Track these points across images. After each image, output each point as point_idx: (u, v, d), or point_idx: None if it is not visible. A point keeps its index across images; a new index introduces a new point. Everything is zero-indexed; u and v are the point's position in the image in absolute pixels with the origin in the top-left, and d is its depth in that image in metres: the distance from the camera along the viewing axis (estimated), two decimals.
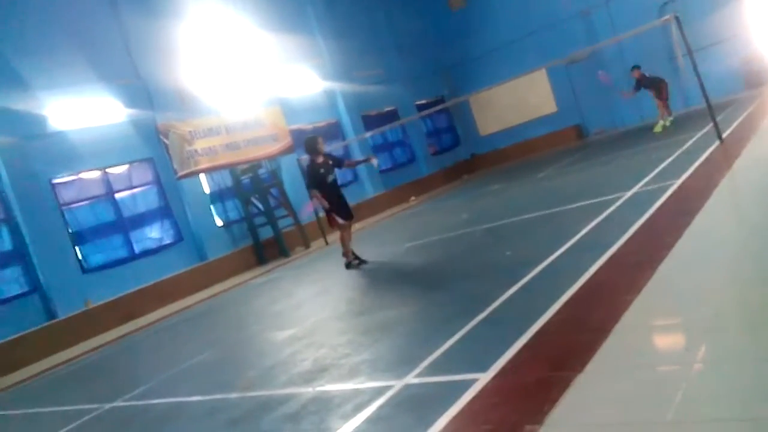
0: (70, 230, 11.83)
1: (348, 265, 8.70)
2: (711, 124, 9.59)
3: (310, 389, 4.12)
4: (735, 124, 10.35)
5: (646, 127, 15.05)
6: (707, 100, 9.69)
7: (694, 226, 4.93)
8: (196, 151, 14.04)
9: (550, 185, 11.29)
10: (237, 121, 15.13)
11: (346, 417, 3.42)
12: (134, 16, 13.44)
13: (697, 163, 7.80)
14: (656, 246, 4.65)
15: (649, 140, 12.41)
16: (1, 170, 11.19)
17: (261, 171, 14.74)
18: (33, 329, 10.48)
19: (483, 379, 3.27)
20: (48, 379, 8.49)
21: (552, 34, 18.86)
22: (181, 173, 13.63)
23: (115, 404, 5.60)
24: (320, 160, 8.52)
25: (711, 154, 8.31)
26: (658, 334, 3.36)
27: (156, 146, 13.47)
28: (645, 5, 16.76)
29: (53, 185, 11.82)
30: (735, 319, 3.18)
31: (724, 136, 9.17)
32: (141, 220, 13.02)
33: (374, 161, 9.22)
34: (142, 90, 13.44)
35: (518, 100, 20.41)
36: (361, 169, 17.50)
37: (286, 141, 16.12)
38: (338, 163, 8.92)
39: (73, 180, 12.18)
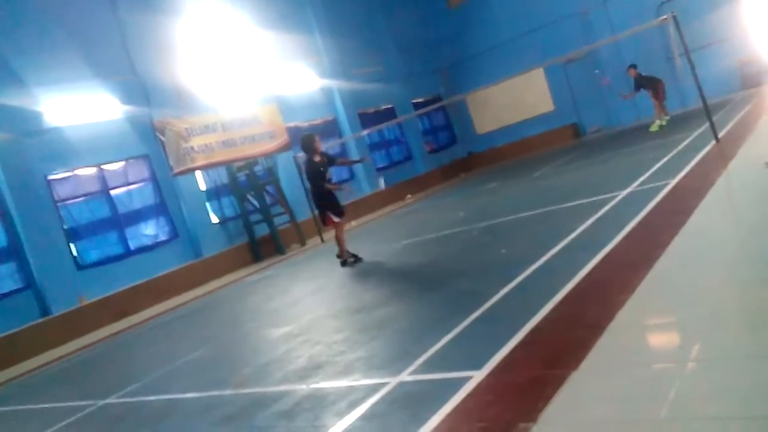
0: (65, 226, 11.77)
1: (344, 263, 8.71)
2: (707, 124, 9.61)
3: (304, 386, 4.11)
4: (731, 124, 10.38)
5: (642, 126, 15.06)
6: (704, 100, 9.72)
7: (690, 226, 4.95)
8: (192, 148, 14.01)
9: (546, 184, 11.30)
10: (234, 119, 15.10)
11: (341, 414, 3.41)
12: (131, 13, 13.37)
13: (692, 163, 7.82)
14: (651, 245, 4.66)
15: (646, 139, 12.44)
16: None
17: (257, 168, 14.73)
18: (26, 325, 10.42)
19: (477, 376, 3.27)
20: (41, 376, 8.44)
21: (549, 33, 18.88)
22: (177, 170, 13.59)
23: (108, 401, 5.57)
24: (318, 158, 8.59)
25: (707, 153, 8.34)
26: (653, 333, 3.36)
27: (152, 143, 13.43)
28: (643, 5, 16.77)
29: (48, 181, 11.76)
30: (729, 317, 3.19)
31: (720, 135, 9.20)
32: (136, 217, 12.96)
33: (367, 160, 9.32)
34: (139, 87, 13.39)
35: (515, 99, 20.40)
36: (358, 167, 17.48)
37: (282, 138, 16.09)
38: (332, 161, 9.05)
39: (69, 176, 12.12)
